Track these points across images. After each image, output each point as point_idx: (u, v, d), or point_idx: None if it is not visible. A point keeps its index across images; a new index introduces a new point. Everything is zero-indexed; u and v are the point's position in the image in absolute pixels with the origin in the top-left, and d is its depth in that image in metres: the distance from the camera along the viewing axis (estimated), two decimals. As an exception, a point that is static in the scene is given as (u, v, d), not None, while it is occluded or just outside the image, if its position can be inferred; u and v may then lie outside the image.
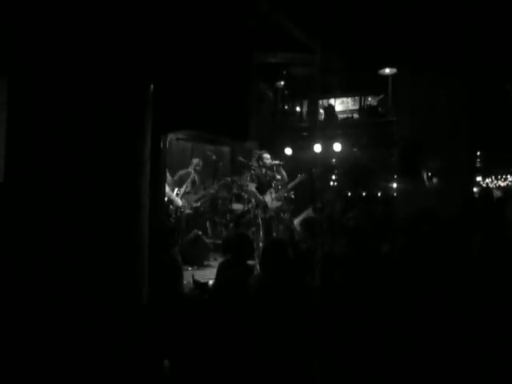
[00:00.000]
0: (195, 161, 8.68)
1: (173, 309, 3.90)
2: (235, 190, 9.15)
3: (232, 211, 9.11)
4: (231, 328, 3.87)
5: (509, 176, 16.79)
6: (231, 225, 9.00)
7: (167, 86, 4.01)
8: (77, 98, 3.23)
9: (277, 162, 8.27)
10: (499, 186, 16.43)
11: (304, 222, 6.84)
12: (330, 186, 12.20)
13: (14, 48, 3.11)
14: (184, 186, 8.31)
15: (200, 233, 8.16)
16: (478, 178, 14.96)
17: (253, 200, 7.91)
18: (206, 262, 7.96)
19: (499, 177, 16.68)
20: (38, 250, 3.36)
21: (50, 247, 3.35)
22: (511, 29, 8.78)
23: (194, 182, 8.56)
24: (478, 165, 14.02)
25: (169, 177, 7.74)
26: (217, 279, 4.77)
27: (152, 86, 3.59)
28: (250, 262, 5.22)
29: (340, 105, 14.06)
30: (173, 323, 3.78)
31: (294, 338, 3.77)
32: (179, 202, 8.10)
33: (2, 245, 3.32)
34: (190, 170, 8.55)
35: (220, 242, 8.33)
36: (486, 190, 13.10)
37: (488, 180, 16.39)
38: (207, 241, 8.36)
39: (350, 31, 8.16)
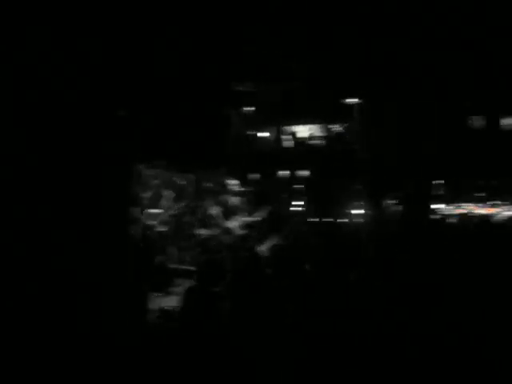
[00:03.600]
0: (168, 193, 8.58)
1: (139, 340, 3.79)
2: (200, 215, 9.06)
3: (196, 236, 9.00)
4: (198, 356, 3.80)
5: (468, 204, 17.26)
6: (196, 250, 8.89)
7: (141, 118, 4.00)
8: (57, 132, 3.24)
9: (244, 188, 8.27)
10: (459, 213, 16.86)
11: (273, 249, 6.82)
12: (294, 212, 12.22)
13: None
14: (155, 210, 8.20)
15: (164, 258, 8.01)
16: (440, 205, 15.31)
17: (219, 226, 7.85)
18: (170, 289, 7.80)
19: (458, 204, 17.12)
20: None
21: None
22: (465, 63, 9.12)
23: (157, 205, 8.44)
24: (441, 192, 14.36)
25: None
26: (183, 307, 4.68)
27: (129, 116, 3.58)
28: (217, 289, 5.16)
29: (306, 131, 14.23)
30: (139, 354, 3.67)
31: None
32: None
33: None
34: (156, 193, 8.42)
35: (185, 267, 8.22)
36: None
37: (446, 207, 16.78)
38: (171, 266, 8.21)
39: (316, 64, 8.31)
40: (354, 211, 11.63)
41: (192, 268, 7.79)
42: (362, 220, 11.37)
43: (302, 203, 13.18)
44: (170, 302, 6.27)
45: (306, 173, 11.45)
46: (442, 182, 13.45)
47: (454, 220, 14.33)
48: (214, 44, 5.17)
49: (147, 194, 8.36)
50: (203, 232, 8.73)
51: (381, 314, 4.62)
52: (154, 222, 8.24)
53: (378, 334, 4.31)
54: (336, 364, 4.02)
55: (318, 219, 11.67)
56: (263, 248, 8.07)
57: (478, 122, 12.16)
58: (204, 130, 5.16)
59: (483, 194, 16.73)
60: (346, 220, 11.84)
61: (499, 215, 15.79)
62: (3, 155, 3.28)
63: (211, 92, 5.29)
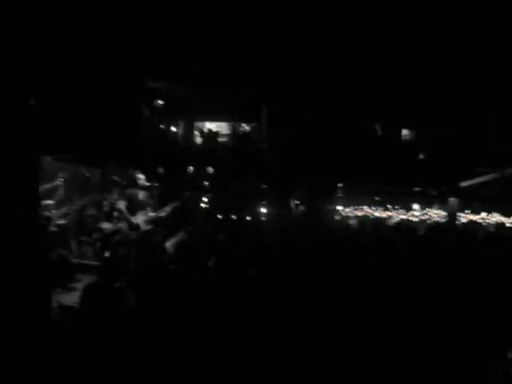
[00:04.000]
0: (64, 175, 8.21)
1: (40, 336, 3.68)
2: (105, 209, 8.84)
3: (100, 230, 8.76)
4: (101, 353, 3.75)
5: (364, 207, 18.29)
6: (98, 244, 8.66)
7: (49, 106, 3.86)
8: None
9: (151, 183, 8.19)
10: (356, 215, 17.83)
11: (179, 245, 6.83)
12: (201, 208, 12.30)
13: None
14: (51, 202, 7.84)
15: (65, 252, 7.73)
16: (339, 207, 16.09)
17: (124, 220, 7.72)
18: (71, 284, 7.55)
19: (357, 207, 18.11)
20: None
21: None
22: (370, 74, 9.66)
23: (60, 198, 8.09)
24: (340, 195, 15.09)
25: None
26: (83, 303, 4.57)
27: (33, 104, 3.44)
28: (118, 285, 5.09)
29: (215, 128, 14.34)
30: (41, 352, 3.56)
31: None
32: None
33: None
34: (58, 184, 8.06)
35: (86, 262, 8.00)
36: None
37: (347, 209, 17.69)
38: (72, 261, 7.94)
39: (226, 67, 8.44)
40: (259, 209, 11.93)
41: (94, 263, 7.61)
42: (268, 218, 11.69)
43: (207, 200, 13.30)
44: (71, 298, 6.09)
45: (211, 169, 11.52)
46: (341, 185, 14.15)
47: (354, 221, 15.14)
48: (127, 39, 5.11)
49: (49, 186, 7.99)
50: (107, 226, 8.53)
51: (279, 310, 4.78)
52: (54, 215, 7.91)
53: (274, 330, 4.46)
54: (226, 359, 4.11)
55: (223, 216, 11.83)
56: (169, 244, 8.06)
57: (380, 130, 12.95)
58: (114, 122, 5.07)
59: (378, 199, 17.90)
60: (252, 217, 12.10)
61: (392, 219, 16.91)
62: None
63: (123, 85, 5.22)
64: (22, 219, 3.64)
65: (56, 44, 3.90)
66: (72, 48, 4.18)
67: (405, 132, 13.79)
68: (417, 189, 14.97)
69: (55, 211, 7.96)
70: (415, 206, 17.57)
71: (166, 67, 7.61)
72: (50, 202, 7.81)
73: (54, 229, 7.88)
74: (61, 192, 8.07)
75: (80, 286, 6.84)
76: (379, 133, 13.29)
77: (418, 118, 12.35)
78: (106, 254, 7.87)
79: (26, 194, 3.66)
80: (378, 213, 18.20)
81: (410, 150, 13.36)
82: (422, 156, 13.42)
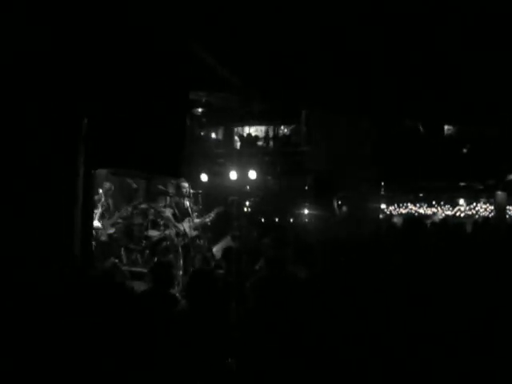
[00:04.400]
0: (107, 185, 8.46)
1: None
2: (151, 217, 9.06)
3: (148, 238, 8.99)
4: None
5: (409, 204, 18.01)
6: (147, 252, 8.88)
7: (100, 122, 4.03)
8: (11, 133, 3.22)
9: (195, 190, 8.35)
10: (401, 212, 17.59)
11: (225, 252, 6.93)
12: (244, 213, 12.40)
13: None
14: (97, 211, 8.09)
15: (116, 261, 7.97)
16: (383, 206, 15.91)
17: (171, 227, 7.89)
18: (122, 291, 7.76)
19: (400, 204, 17.86)
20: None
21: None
22: (412, 68, 9.54)
23: (107, 207, 8.35)
24: (383, 193, 14.92)
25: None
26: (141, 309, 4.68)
27: (86, 121, 3.61)
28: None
29: (254, 133, 14.42)
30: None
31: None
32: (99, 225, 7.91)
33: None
34: (101, 194, 8.31)
35: (135, 269, 8.20)
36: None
37: (391, 207, 17.47)
38: (123, 268, 8.17)
39: (268, 73, 8.50)
40: (304, 211, 11.93)
41: (143, 270, 7.80)
42: (312, 220, 11.68)
43: (250, 204, 13.39)
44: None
45: (254, 174, 11.60)
46: (382, 183, 14.01)
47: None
48: (169, 51, 5.25)
49: (97, 197, 8.27)
50: (154, 234, 8.73)
51: (330, 314, 4.76)
52: (104, 225, 8.17)
53: (324, 333, 4.45)
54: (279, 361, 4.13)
55: (267, 220, 11.89)
56: (215, 249, 8.20)
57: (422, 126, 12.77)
58: (158, 133, 5.20)
59: (421, 195, 17.58)
60: (297, 220, 12.12)
61: (437, 215, 16.59)
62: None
63: (165, 96, 5.35)
64: (79, 228, 3.80)
65: (105, 64, 4.06)
66: (121, 67, 4.34)
67: (447, 126, 13.52)
68: (462, 183, 14.62)
69: (105, 221, 8.22)
70: (461, 201, 17.15)
71: (205, 77, 7.75)
72: (98, 211, 8.08)
73: (104, 238, 8.14)
74: (104, 201, 8.32)
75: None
76: (421, 129, 13.09)
77: (461, 113, 12.10)
78: (155, 261, 8.07)
79: (82, 204, 3.82)
80: (423, 209, 17.89)
81: (453, 144, 13.09)
82: (466, 149, 13.13)
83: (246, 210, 12.67)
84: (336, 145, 11.64)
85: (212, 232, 8.70)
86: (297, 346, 4.24)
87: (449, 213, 17.11)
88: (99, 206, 8.16)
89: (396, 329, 4.32)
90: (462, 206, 17.21)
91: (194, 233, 8.04)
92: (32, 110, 3.51)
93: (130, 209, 8.93)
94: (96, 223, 7.86)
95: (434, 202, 17.55)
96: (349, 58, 8.56)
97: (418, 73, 8.94)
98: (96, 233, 7.88)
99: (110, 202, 8.46)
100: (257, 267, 6.68)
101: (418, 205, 17.97)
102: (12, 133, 3.41)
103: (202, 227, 8.29)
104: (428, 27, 6.92)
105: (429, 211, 17.57)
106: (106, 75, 4.13)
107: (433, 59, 8.13)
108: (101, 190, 8.31)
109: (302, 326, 4.49)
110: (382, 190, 14.71)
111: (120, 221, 8.69)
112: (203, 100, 10.33)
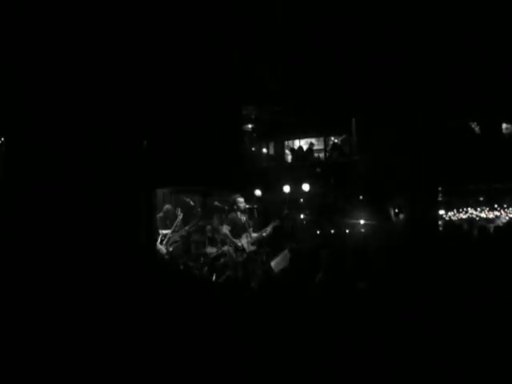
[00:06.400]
0: (169, 207, 8.69)
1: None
2: (209, 234, 9.19)
3: (206, 255, 9.12)
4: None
5: (469, 208, 17.41)
6: (205, 268, 9.00)
7: (160, 144, 4.20)
8: (73, 158, 3.40)
9: (250, 205, 8.42)
10: (461, 218, 17.02)
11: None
12: (301, 225, 12.37)
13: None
14: (168, 232, 8.33)
15: (177, 278, 8.12)
16: (441, 212, 15.45)
17: (229, 243, 7.98)
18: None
19: (460, 210, 17.29)
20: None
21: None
22: (467, 68, 9.34)
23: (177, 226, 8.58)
24: (440, 199, 14.52)
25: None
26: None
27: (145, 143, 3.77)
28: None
29: (304, 145, 14.44)
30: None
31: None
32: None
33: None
34: (177, 216, 8.56)
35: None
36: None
37: (450, 213, 16.95)
38: (183, 286, 8.30)
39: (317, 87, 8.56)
40: (359, 221, 11.77)
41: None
42: (368, 229, 11.51)
43: (305, 217, 13.34)
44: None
45: (307, 186, 11.58)
46: (439, 188, 13.63)
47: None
48: (222, 70, 5.39)
49: (157, 215, 8.49)
50: (212, 250, 8.86)
51: (388, 325, 4.68)
52: (165, 242, 8.37)
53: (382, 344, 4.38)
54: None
55: (324, 231, 11.80)
56: (273, 263, 8.19)
57: (478, 127, 12.41)
58: (217, 152, 5.36)
59: (482, 199, 16.94)
60: (354, 230, 11.96)
61: (501, 219, 15.94)
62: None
63: (218, 112, 5.49)
64: (144, 247, 3.94)
65: (160, 88, 4.23)
66: (175, 89, 4.51)
67: (506, 125, 13.05)
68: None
69: (166, 239, 8.42)
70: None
71: (253, 91, 7.88)
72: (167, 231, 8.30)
73: (165, 256, 8.33)
74: (168, 221, 8.54)
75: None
76: (477, 130, 12.70)
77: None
78: (213, 277, 8.17)
79: (144, 223, 3.95)
80: (484, 213, 17.23)
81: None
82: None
83: (301, 222, 12.64)
84: (389, 152, 11.47)
85: (269, 246, 8.72)
86: (353, 358, 4.20)
87: (513, 216, 16.40)
88: (172, 225, 8.41)
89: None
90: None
91: (252, 248, 8.09)
92: (95, 132, 3.69)
93: (189, 228, 9.09)
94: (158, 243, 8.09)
95: (496, 205, 16.88)
96: (403, 60, 8.49)
97: (471, 70, 8.75)
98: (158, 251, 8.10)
99: (170, 221, 8.67)
100: (316, 280, 6.65)
101: (478, 209, 17.34)
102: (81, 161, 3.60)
103: (260, 242, 8.33)
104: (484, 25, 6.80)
105: (491, 215, 16.91)
106: (162, 99, 4.28)
107: (486, 56, 7.95)
108: (167, 209, 8.57)
109: (361, 337, 4.45)
110: (440, 195, 14.33)
111: (178, 238, 8.87)
112: (253, 115, 10.47)
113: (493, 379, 3.79)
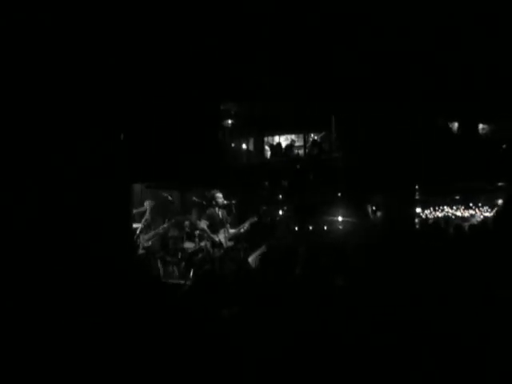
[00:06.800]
0: (150, 202, 8.59)
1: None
2: (187, 229, 9.14)
3: (184, 250, 9.07)
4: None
5: (445, 207, 17.65)
6: (183, 264, 8.95)
7: (137, 137, 4.14)
8: (50, 153, 3.35)
9: (229, 201, 8.39)
10: (437, 216, 17.24)
11: (261, 259, 6.92)
12: (278, 222, 12.38)
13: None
14: (140, 226, 8.24)
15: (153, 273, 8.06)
16: (418, 210, 15.62)
17: (207, 238, 7.95)
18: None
19: (437, 208, 17.51)
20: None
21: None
22: (445, 67, 9.42)
23: (149, 222, 8.50)
24: (417, 197, 14.67)
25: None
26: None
27: (122, 137, 3.71)
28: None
29: (284, 141, 14.43)
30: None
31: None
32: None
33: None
34: (146, 209, 8.46)
35: (172, 281, 8.27)
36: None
37: (427, 211, 17.15)
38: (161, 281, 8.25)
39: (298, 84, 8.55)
40: (338, 218, 11.83)
41: (181, 281, 7.86)
42: (347, 226, 11.58)
43: (283, 212, 13.35)
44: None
45: (285, 182, 11.60)
46: (416, 186, 13.75)
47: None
48: (202, 66, 5.34)
49: (136, 211, 8.40)
50: (190, 245, 8.81)
51: (366, 320, 4.70)
52: (142, 238, 8.29)
53: (362, 340, 4.39)
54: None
55: (300, 227, 11.84)
56: (251, 258, 8.19)
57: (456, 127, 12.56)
58: (191, 147, 5.30)
59: (458, 197, 17.18)
60: (331, 227, 12.03)
61: (476, 217, 16.19)
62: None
63: (196, 110, 5.44)
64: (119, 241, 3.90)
65: (139, 81, 4.17)
66: (154, 83, 4.45)
67: (482, 125, 13.23)
68: (501, 184, 14.25)
69: (143, 235, 8.35)
70: (500, 202, 16.68)
71: (235, 88, 7.84)
72: (138, 225, 8.21)
73: (141, 251, 8.26)
74: (148, 216, 8.46)
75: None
76: (455, 130, 12.86)
77: (497, 112, 11.84)
78: (191, 273, 8.13)
79: (120, 218, 3.90)
80: (460, 212, 17.49)
81: (489, 144, 12.79)
82: (502, 149, 12.80)
83: (279, 218, 12.65)
84: (368, 149, 11.53)
85: (247, 242, 8.71)
86: (331, 356, 4.20)
87: (487, 214, 16.67)
88: (142, 220, 8.31)
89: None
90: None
91: (230, 243, 8.08)
92: (73, 126, 3.63)
93: (168, 225, 9.03)
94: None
95: (471, 204, 17.15)
96: (382, 59, 8.52)
97: (452, 71, 8.83)
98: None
99: (149, 216, 8.60)
100: (294, 275, 6.65)
101: (454, 207, 17.59)
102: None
103: (237, 237, 8.32)
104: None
105: (466, 213, 17.17)
106: (140, 91, 4.22)
107: (467, 58, 8.03)
108: (147, 206, 8.46)
109: (338, 334, 4.45)
110: (417, 193, 14.47)
111: (156, 234, 8.81)
112: (232, 111, 10.42)
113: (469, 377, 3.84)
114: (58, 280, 3.77)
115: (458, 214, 17.51)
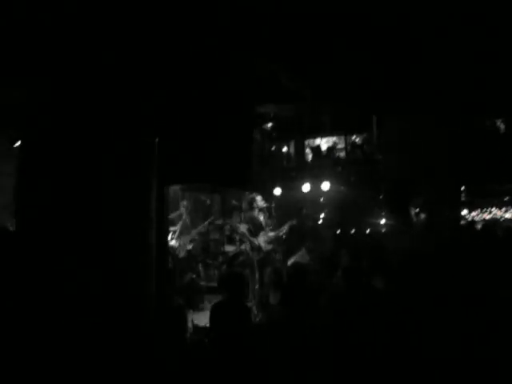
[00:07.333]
0: (185, 203, 8.70)
1: (177, 355, 3.90)
2: (227, 232, 9.21)
3: (224, 253, 9.14)
4: (234, 373, 3.88)
5: (493, 209, 17.07)
6: (224, 267, 9.02)
7: (172, 139, 4.20)
8: (88, 156, 3.42)
9: (268, 204, 8.40)
10: (484, 219, 16.69)
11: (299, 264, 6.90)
12: (319, 225, 12.28)
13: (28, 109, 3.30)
14: (177, 229, 8.34)
15: (194, 276, 8.16)
16: (464, 212, 15.18)
17: (247, 242, 7.98)
18: (200, 305, 7.93)
19: (484, 209, 16.95)
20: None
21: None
22: (489, 68, 9.15)
23: (186, 225, 8.59)
24: (463, 199, 14.27)
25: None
26: (212, 322, 4.73)
27: (157, 140, 3.77)
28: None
29: (325, 144, 14.33)
30: (177, 369, 3.78)
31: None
32: (174, 243, 8.15)
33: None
34: (182, 212, 8.58)
35: (213, 284, 8.35)
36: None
37: (473, 213, 16.63)
38: (201, 283, 8.36)
39: (339, 85, 8.47)
40: (380, 221, 11.65)
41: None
42: (389, 229, 11.38)
43: (324, 216, 13.23)
44: (203, 318, 6.40)
45: (327, 185, 11.50)
46: (462, 188, 13.39)
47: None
48: (234, 68, 5.37)
49: (174, 214, 8.52)
50: (230, 249, 8.87)
51: (408, 325, 4.61)
52: (183, 241, 8.40)
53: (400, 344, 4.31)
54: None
55: (343, 231, 11.71)
56: (290, 262, 8.16)
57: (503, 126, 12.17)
58: (228, 149, 5.32)
59: (507, 199, 16.57)
60: (373, 230, 11.84)
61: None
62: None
63: (232, 111, 5.46)
64: (155, 245, 3.94)
65: (173, 83, 4.22)
66: (188, 85, 4.50)
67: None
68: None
69: (183, 238, 8.45)
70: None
71: (272, 90, 7.85)
72: (175, 228, 8.32)
73: (182, 254, 8.37)
74: (185, 217, 8.56)
75: (209, 306, 7.19)
76: (502, 129, 12.45)
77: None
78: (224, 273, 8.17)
79: (157, 221, 3.96)
80: (509, 214, 16.88)
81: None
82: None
83: (320, 222, 12.56)
84: (410, 151, 11.32)
85: (286, 245, 8.69)
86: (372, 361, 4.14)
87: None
88: (179, 223, 8.41)
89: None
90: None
91: (269, 247, 8.07)
92: (107, 130, 3.70)
93: (206, 225, 9.13)
94: (173, 241, 8.12)
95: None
96: (425, 59, 8.35)
97: (501, 71, 8.56)
98: (175, 249, 8.14)
99: (188, 219, 8.69)
100: (334, 280, 6.59)
101: (503, 209, 16.99)
102: (87, 157, 3.61)
103: (277, 241, 8.31)
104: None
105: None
106: (175, 94, 4.28)
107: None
108: (182, 208, 8.57)
109: (378, 339, 4.39)
110: (463, 195, 14.09)
111: (197, 237, 8.91)
112: (272, 114, 10.42)
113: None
114: (88, 284, 3.83)
115: (507, 216, 16.90)
